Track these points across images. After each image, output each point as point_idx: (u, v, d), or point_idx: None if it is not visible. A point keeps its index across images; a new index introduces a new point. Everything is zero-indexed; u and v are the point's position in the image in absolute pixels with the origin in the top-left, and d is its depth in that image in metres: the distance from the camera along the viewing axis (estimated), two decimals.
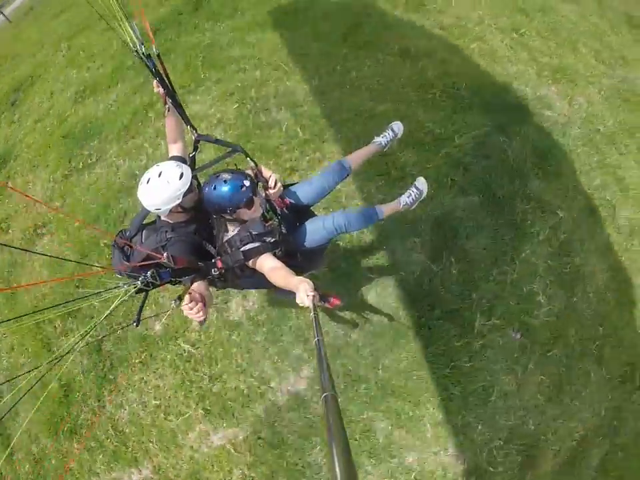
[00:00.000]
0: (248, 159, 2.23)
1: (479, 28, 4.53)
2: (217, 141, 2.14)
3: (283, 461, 2.82)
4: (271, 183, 2.16)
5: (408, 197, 2.52)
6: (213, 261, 1.89)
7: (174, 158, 2.07)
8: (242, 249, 1.91)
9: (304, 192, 2.46)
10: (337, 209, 3.14)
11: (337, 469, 0.69)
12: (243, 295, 3.19)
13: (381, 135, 2.69)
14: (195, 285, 1.79)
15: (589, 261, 3.24)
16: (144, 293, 1.61)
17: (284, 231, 2.20)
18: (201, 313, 1.53)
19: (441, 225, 3.22)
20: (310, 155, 3.58)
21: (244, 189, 1.92)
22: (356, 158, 2.58)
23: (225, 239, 2.01)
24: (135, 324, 1.66)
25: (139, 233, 2.06)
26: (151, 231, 2.06)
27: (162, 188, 1.78)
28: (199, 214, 2.04)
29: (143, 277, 1.30)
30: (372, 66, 4.08)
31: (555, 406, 2.87)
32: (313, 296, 1.42)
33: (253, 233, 1.99)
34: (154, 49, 1.60)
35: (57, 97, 5.19)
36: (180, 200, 1.83)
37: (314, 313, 1.26)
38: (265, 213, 2.14)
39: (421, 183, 2.54)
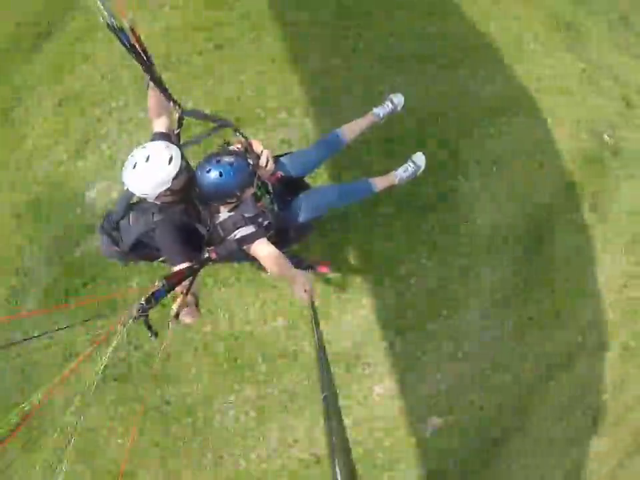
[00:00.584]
0: (237, 133, 2.13)
1: None
2: (205, 117, 2.01)
3: None
4: (263, 161, 2.06)
5: (404, 172, 2.48)
6: (207, 255, 1.85)
7: (159, 135, 1.94)
8: (236, 237, 1.87)
9: (296, 163, 2.37)
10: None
11: (337, 468, 0.72)
12: None
13: (379, 107, 2.57)
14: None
15: None
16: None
17: (275, 208, 2.18)
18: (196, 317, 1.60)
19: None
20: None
21: (250, 167, 1.84)
22: (351, 129, 2.48)
23: (217, 221, 1.96)
24: (152, 338, 1.63)
25: (127, 215, 1.99)
26: (139, 213, 1.99)
27: (150, 173, 1.67)
28: (188, 194, 1.95)
29: (138, 304, 1.30)
30: None
31: None
32: (311, 290, 1.46)
33: (246, 215, 1.93)
34: (125, 23, 1.43)
35: None
36: (169, 184, 1.73)
37: (312, 309, 1.30)
38: (257, 191, 2.08)
39: (419, 157, 2.48)
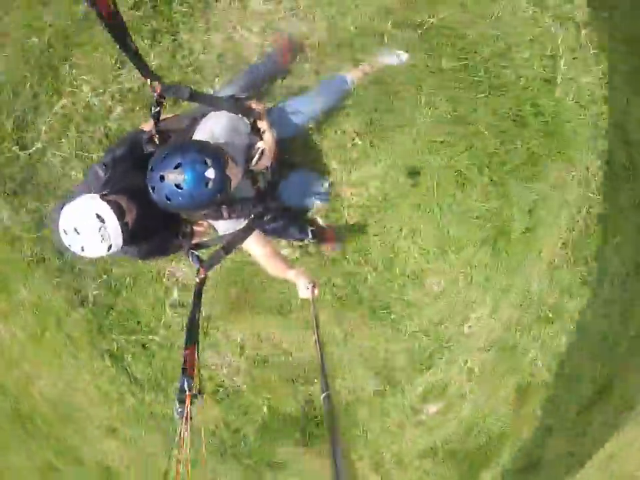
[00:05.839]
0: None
1: None
2: (192, 97, 1.56)
3: None
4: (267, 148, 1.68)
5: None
6: (201, 277, 1.54)
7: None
8: (222, 245, 1.58)
9: (294, 117, 2.05)
10: None
11: (337, 468, 0.73)
12: None
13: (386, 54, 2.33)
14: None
15: None
16: None
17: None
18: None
19: None
20: None
21: (210, 183, 1.30)
22: (359, 73, 2.27)
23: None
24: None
25: None
26: None
27: (90, 247, 1.37)
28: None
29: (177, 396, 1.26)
30: None
31: None
32: (313, 286, 1.44)
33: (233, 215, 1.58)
34: None
35: None
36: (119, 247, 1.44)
37: (314, 309, 1.28)
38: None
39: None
